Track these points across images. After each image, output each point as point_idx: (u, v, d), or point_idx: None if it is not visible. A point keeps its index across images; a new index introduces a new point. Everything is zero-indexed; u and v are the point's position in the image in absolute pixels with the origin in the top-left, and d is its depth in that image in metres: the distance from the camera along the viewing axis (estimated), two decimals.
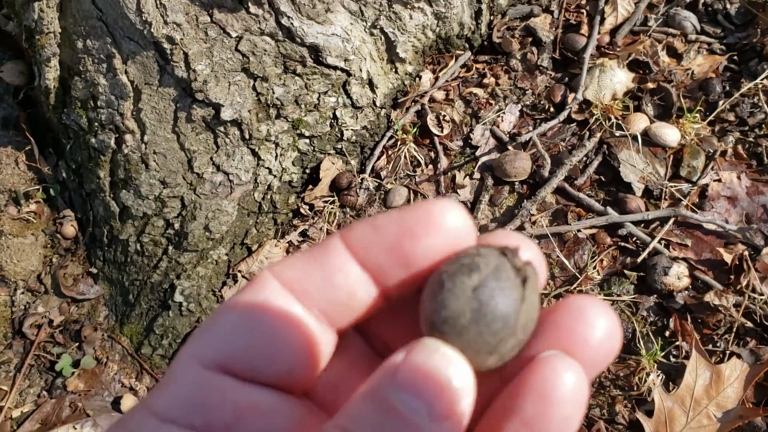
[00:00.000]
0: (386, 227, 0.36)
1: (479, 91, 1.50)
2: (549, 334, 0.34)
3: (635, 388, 1.21)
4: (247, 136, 1.35)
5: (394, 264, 0.35)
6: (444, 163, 1.45)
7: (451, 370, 0.31)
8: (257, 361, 0.35)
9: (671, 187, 1.33)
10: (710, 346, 1.21)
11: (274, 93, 1.32)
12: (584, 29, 1.51)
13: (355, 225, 0.37)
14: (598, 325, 0.34)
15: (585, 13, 1.53)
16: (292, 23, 1.25)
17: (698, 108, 1.38)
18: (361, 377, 0.40)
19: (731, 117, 1.38)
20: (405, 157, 1.47)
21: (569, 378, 0.32)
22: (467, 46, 1.54)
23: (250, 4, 1.22)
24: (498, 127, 1.46)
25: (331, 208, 1.46)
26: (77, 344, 1.49)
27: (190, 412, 0.34)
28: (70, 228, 1.52)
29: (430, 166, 1.46)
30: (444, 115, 1.47)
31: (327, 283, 0.36)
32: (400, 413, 0.30)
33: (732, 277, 1.23)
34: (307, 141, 1.42)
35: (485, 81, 1.50)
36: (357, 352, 0.40)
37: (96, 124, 1.35)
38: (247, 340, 0.35)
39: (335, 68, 1.34)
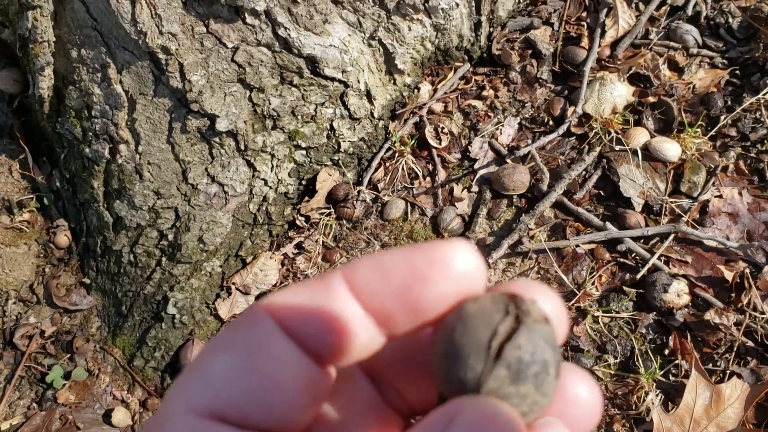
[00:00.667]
0: (394, 270, 0.34)
1: (478, 104, 1.48)
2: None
3: (634, 407, 1.19)
4: (242, 147, 1.33)
5: (401, 309, 0.33)
6: (442, 175, 1.44)
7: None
8: (254, 409, 0.34)
9: (671, 202, 1.31)
10: (710, 365, 1.19)
11: (270, 104, 1.31)
12: (584, 42, 1.49)
13: (358, 264, 0.35)
14: (580, 395, 0.33)
15: (585, 26, 1.52)
16: (289, 34, 1.24)
17: (699, 123, 1.37)
18: (361, 417, 0.38)
19: (733, 132, 1.36)
20: (403, 169, 1.46)
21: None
22: (466, 58, 1.52)
23: (246, 15, 1.21)
24: (497, 139, 1.44)
25: (328, 220, 1.44)
26: (69, 355, 1.47)
27: None
28: (63, 238, 1.50)
29: (428, 179, 1.45)
30: (442, 128, 1.46)
31: (327, 327, 0.34)
32: None
33: (733, 294, 1.22)
34: (304, 152, 1.40)
35: (484, 93, 1.49)
36: (358, 392, 0.39)
37: (90, 133, 1.34)
38: (244, 385, 0.34)
39: (333, 79, 1.33)
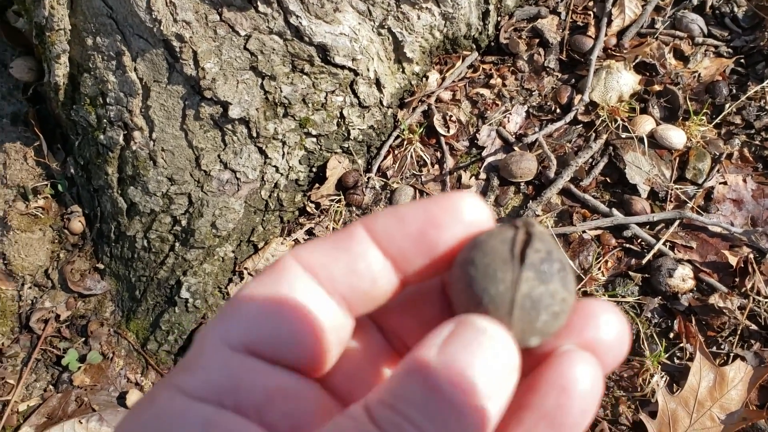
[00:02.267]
0: (410, 217, 0.37)
1: (486, 92, 1.50)
2: (560, 336, 0.35)
3: (639, 389, 1.22)
4: (254, 135, 1.35)
5: (417, 252, 0.36)
6: (450, 163, 1.46)
7: (499, 348, 0.31)
8: (283, 345, 0.36)
9: (677, 189, 1.33)
10: (714, 348, 1.21)
11: (281, 92, 1.33)
12: (591, 31, 1.51)
13: (377, 214, 0.38)
14: (608, 328, 0.35)
15: (592, 15, 1.53)
16: (300, 22, 1.26)
17: (704, 111, 1.38)
18: (375, 367, 0.40)
19: (737, 120, 1.38)
20: (411, 156, 1.48)
21: (588, 372, 0.33)
22: (474, 46, 1.54)
23: (259, 3, 1.23)
24: (504, 127, 1.46)
25: (337, 207, 1.46)
26: (83, 339, 1.50)
27: (222, 393, 0.34)
28: (77, 224, 1.53)
29: (436, 166, 1.47)
30: (450, 116, 1.48)
31: (351, 270, 0.37)
32: (446, 392, 0.30)
33: (737, 279, 1.24)
34: (314, 140, 1.43)
35: (492, 82, 1.51)
36: (371, 342, 0.41)
37: (105, 120, 1.36)
38: (273, 324, 0.36)
39: (343, 67, 1.35)
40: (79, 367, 1.46)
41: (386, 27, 1.38)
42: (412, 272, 0.37)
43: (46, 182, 1.56)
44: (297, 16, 1.26)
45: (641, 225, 1.31)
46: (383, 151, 1.50)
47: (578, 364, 0.33)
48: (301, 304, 0.36)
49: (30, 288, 1.52)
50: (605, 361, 0.35)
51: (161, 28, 1.21)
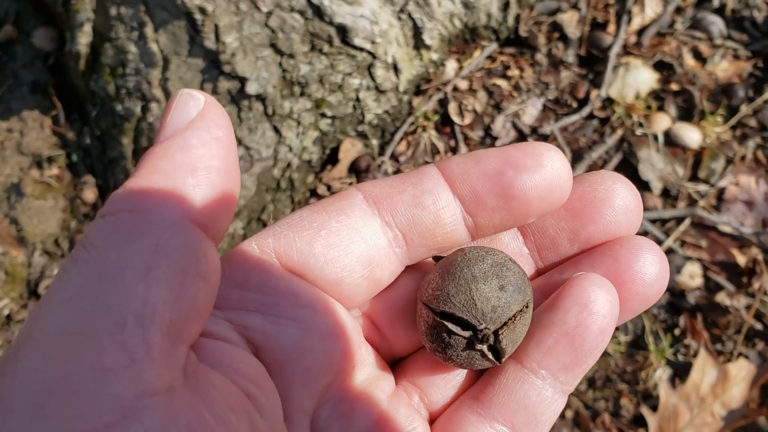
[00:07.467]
0: (488, 158, 0.36)
1: (503, 83, 1.51)
2: (606, 265, 0.35)
3: (642, 383, 1.22)
4: (270, 112, 1.36)
5: (491, 192, 0.36)
6: (464, 151, 1.46)
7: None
8: (318, 259, 0.36)
9: (689, 187, 1.33)
10: (719, 346, 1.21)
11: (299, 71, 1.34)
12: (611, 28, 1.51)
13: (453, 157, 0.38)
14: (651, 263, 0.35)
15: (612, 12, 1.54)
16: (321, 1, 1.27)
17: (720, 112, 1.38)
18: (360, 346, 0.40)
19: (753, 123, 1.38)
20: (425, 143, 1.48)
21: (606, 293, 0.34)
22: (493, 37, 1.55)
23: None
24: (520, 119, 1.46)
25: None
26: None
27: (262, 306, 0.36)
28: (90, 193, 1.54)
29: (449, 154, 1.47)
30: (466, 105, 1.48)
31: (415, 203, 0.36)
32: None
33: (744, 279, 1.24)
34: (329, 121, 1.43)
35: (509, 73, 1.51)
36: (359, 328, 0.40)
37: (123, 91, 1.37)
38: (319, 245, 0.36)
39: (361, 50, 1.36)
40: None
41: (406, 12, 1.39)
42: (482, 217, 0.37)
43: (61, 152, 1.57)
44: None
45: (652, 221, 1.31)
46: (397, 137, 1.50)
47: (598, 286, 0.34)
48: (348, 228, 0.36)
49: (40, 255, 1.53)
50: (645, 296, 0.35)
51: (185, 0, 1.22)
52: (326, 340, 0.35)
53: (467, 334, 0.36)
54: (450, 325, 0.36)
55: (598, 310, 0.34)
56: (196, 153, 0.32)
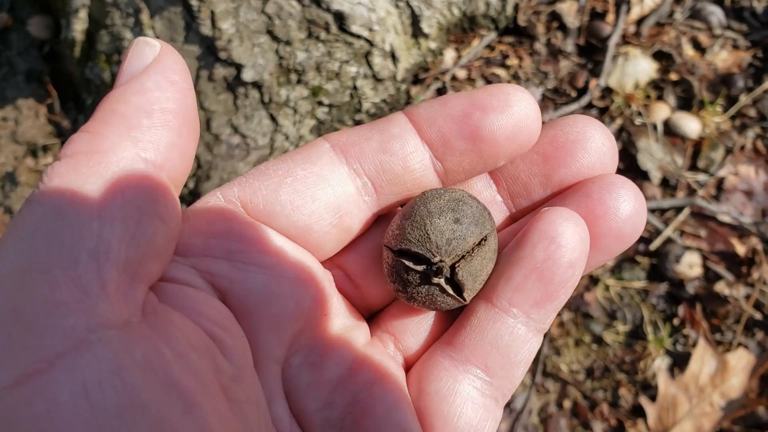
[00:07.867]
0: (455, 101, 0.36)
1: (502, 72, 1.50)
2: (577, 201, 0.34)
3: (640, 374, 1.21)
4: (266, 100, 1.35)
5: (459, 134, 0.35)
6: None
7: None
8: (285, 207, 0.36)
9: (688, 177, 1.32)
10: (718, 336, 1.21)
11: (296, 58, 1.32)
12: (610, 18, 1.51)
13: (421, 103, 0.37)
14: (625, 199, 0.34)
15: (611, 2, 1.53)
16: None
17: (720, 101, 1.38)
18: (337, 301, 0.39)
19: (752, 112, 1.37)
20: None
21: (574, 225, 0.33)
22: (492, 26, 1.54)
23: None
24: None
25: None
26: None
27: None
28: None
29: None
30: None
31: (382, 149, 0.36)
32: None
33: (744, 269, 1.23)
34: (326, 110, 1.42)
35: (508, 62, 1.50)
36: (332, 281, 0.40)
37: None
38: (284, 194, 0.36)
39: (359, 37, 1.35)
40: None
41: (404, 0, 1.38)
42: (451, 161, 0.36)
43: (56, 140, 1.56)
44: None
45: (651, 211, 1.30)
46: None
47: (565, 218, 0.33)
48: (314, 176, 0.36)
49: None
50: (620, 234, 0.34)
51: None
52: (295, 286, 0.35)
53: (422, 267, 0.36)
54: (406, 261, 0.36)
55: (566, 243, 0.33)
56: (151, 95, 0.32)
